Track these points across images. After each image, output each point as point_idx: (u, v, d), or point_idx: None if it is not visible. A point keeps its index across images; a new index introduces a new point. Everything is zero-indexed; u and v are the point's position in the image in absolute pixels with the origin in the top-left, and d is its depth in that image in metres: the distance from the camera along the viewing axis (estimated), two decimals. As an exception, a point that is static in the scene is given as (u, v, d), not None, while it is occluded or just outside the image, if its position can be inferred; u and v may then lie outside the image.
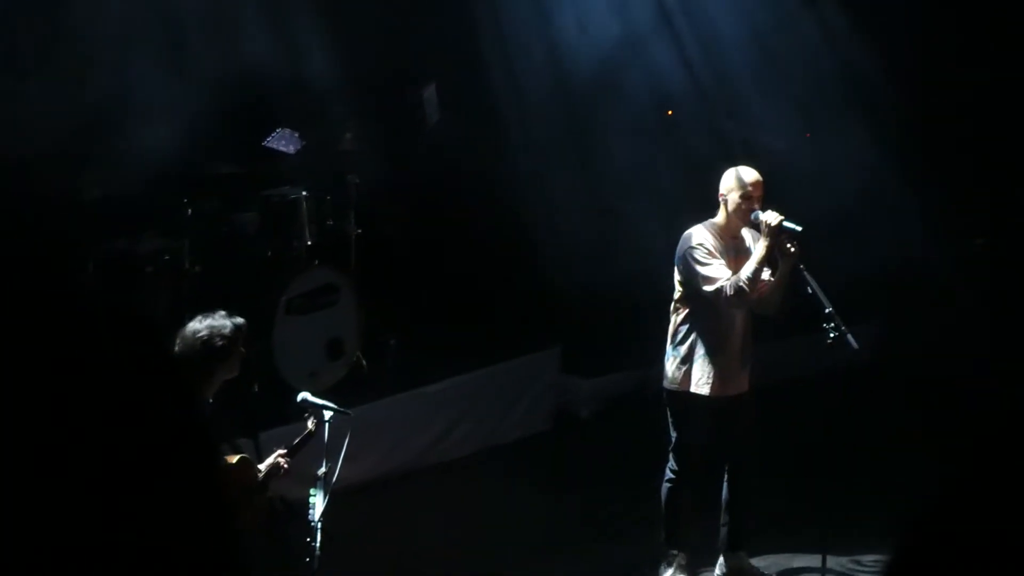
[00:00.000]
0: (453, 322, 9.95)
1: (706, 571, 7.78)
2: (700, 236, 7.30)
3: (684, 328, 7.42)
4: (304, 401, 6.56)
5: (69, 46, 9.33)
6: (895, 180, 11.30)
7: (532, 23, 11.29)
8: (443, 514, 8.76)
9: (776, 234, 7.08)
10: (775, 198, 7.36)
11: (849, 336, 6.97)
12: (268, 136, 10.25)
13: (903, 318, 11.29)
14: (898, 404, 9.97)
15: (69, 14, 9.36)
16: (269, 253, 9.57)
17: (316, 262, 9.68)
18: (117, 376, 1.29)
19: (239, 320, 6.16)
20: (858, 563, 7.73)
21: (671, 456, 7.56)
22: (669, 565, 7.66)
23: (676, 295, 7.45)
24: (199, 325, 6.05)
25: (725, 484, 7.65)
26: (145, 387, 1.32)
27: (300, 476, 6.58)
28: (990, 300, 11.10)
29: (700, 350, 7.37)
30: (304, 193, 9.67)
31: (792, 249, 7.08)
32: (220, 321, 6.08)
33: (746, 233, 7.39)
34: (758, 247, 7.18)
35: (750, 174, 7.30)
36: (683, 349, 7.40)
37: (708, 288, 7.20)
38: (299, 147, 10.31)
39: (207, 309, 6.29)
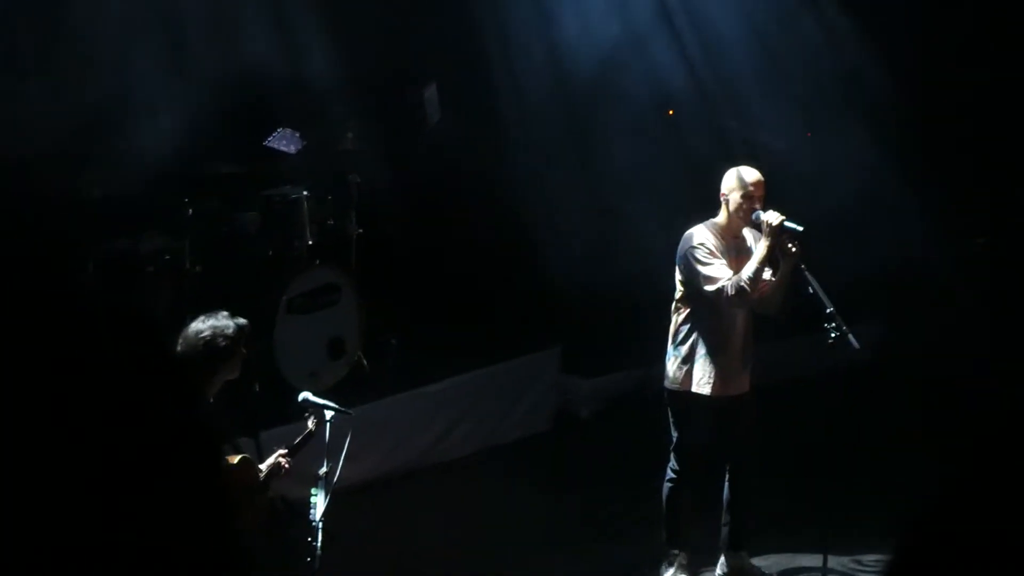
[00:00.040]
0: (454, 322, 9.95)
1: (707, 571, 7.77)
2: (701, 236, 7.30)
3: (685, 328, 7.41)
4: (305, 401, 6.57)
5: (70, 46, 9.33)
6: (895, 180, 11.29)
7: (532, 23, 11.29)
8: (444, 514, 8.76)
9: (777, 234, 7.07)
10: (776, 198, 7.36)
11: (850, 336, 6.97)
12: (269, 136, 10.25)
13: (903, 318, 11.28)
14: (898, 404, 9.95)
15: (70, 14, 9.36)
16: (270, 253, 9.57)
17: (317, 262, 9.68)
18: (119, 376, 1.30)
19: (241, 321, 6.17)
20: (859, 562, 7.73)
21: (672, 456, 7.56)
22: (670, 565, 7.66)
23: (677, 295, 7.45)
24: (202, 325, 6.05)
25: (726, 484, 7.64)
26: (147, 387, 1.32)
27: (301, 476, 6.58)
28: (990, 300, 11.09)
29: (701, 350, 7.37)
30: (305, 193, 9.67)
31: (793, 249, 7.08)
32: (223, 322, 6.08)
33: (747, 233, 7.39)
34: (759, 247, 7.17)
35: (751, 174, 7.30)
36: (684, 349, 7.40)
37: (709, 288, 7.20)
38: (300, 147, 10.31)
39: (208, 309, 6.30)
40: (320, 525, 6.17)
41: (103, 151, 9.23)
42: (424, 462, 9.55)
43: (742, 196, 7.23)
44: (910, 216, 11.17)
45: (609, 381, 10.75)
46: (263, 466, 6.35)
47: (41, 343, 1.26)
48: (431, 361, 9.87)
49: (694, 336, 7.39)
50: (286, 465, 6.38)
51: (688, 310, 7.41)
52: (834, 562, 7.48)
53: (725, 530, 7.69)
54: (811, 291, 7.07)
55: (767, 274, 7.22)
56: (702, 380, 7.37)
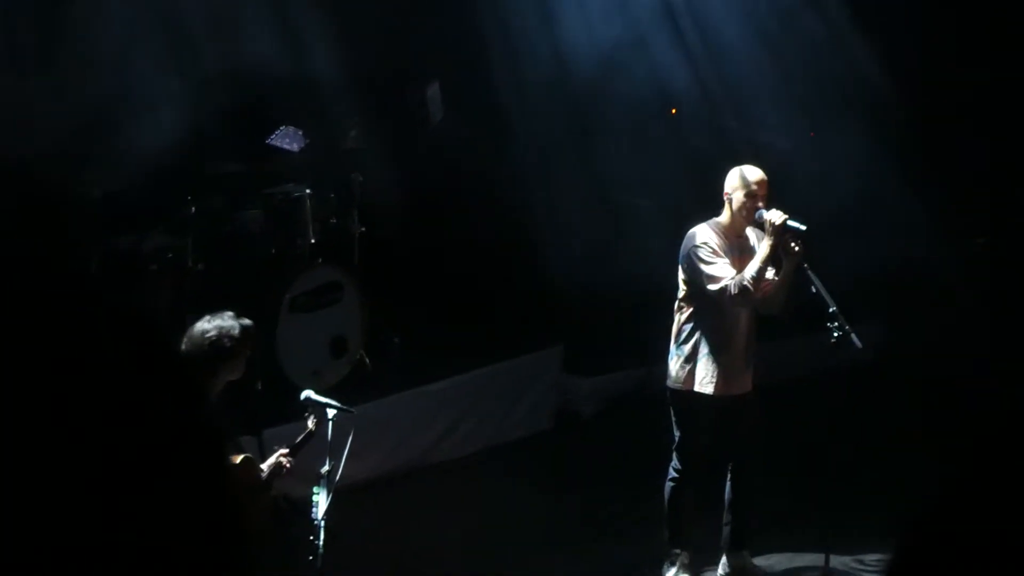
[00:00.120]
0: (455, 321, 9.96)
1: (709, 570, 7.77)
2: (704, 235, 7.29)
3: (688, 327, 7.41)
4: (307, 399, 6.57)
5: (72, 45, 9.33)
6: (895, 180, 11.29)
7: (534, 22, 11.29)
8: (445, 512, 8.76)
9: (780, 233, 7.07)
10: (777, 197, 7.36)
11: (853, 335, 6.96)
12: (271, 134, 10.26)
13: (904, 318, 11.29)
14: (899, 404, 9.96)
15: (71, 13, 9.36)
16: (273, 251, 9.57)
17: (319, 260, 9.68)
18: (123, 375, 1.29)
19: (246, 322, 6.17)
20: (861, 562, 7.72)
21: (674, 455, 7.55)
22: (672, 564, 7.66)
23: (680, 294, 7.44)
24: (208, 325, 6.06)
25: (728, 483, 7.64)
26: (151, 386, 1.32)
27: (303, 474, 6.59)
28: (990, 300, 11.09)
29: (704, 349, 7.37)
30: (308, 191, 9.67)
31: (796, 248, 7.07)
32: (228, 322, 6.09)
33: (750, 232, 7.39)
34: (762, 246, 7.17)
35: (755, 173, 7.29)
36: (687, 348, 7.40)
37: (712, 287, 7.20)
38: (302, 145, 10.32)
39: (210, 307, 6.31)
40: (322, 524, 6.17)
41: (105, 150, 9.22)
42: (426, 461, 9.56)
43: (745, 195, 7.23)
44: (910, 216, 11.17)
45: (610, 380, 10.75)
46: (264, 466, 6.36)
47: (44, 342, 1.26)
48: (433, 360, 9.87)
49: (697, 335, 7.38)
50: (287, 465, 6.39)
51: (691, 309, 7.41)
52: (836, 561, 7.47)
53: (727, 529, 7.69)
54: (814, 290, 7.06)
55: (770, 273, 7.21)
56: (705, 379, 7.37)
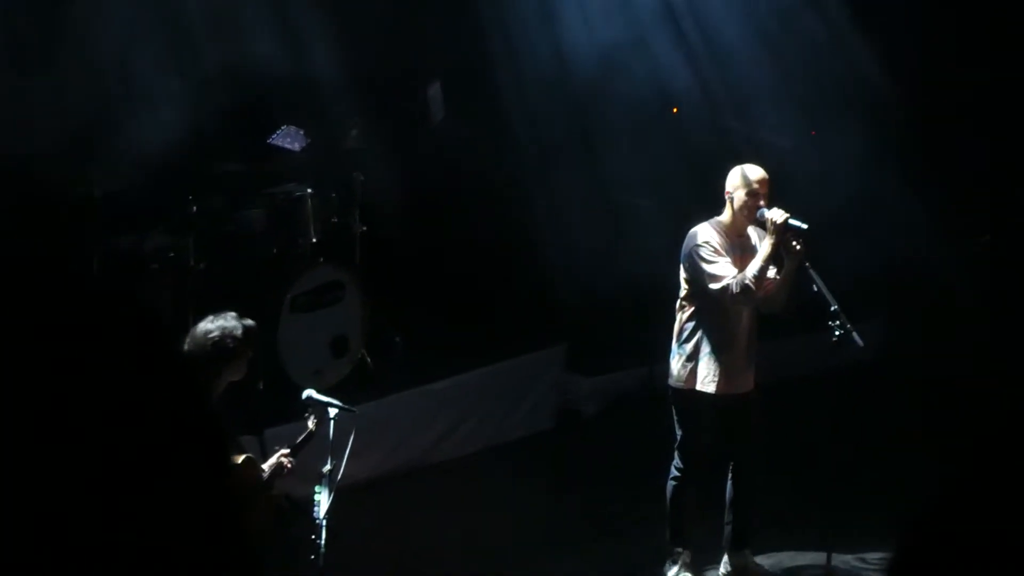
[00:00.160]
0: (457, 320, 9.96)
1: (711, 569, 7.77)
2: (706, 234, 7.29)
3: (690, 326, 7.41)
4: (309, 398, 6.58)
5: (73, 44, 9.33)
6: (896, 180, 11.29)
7: (535, 22, 11.28)
8: (446, 512, 8.77)
9: (782, 232, 7.06)
10: (778, 196, 7.36)
11: (855, 334, 6.96)
12: (273, 134, 10.26)
13: (904, 317, 11.29)
14: (900, 403, 9.96)
15: (72, 13, 9.36)
16: (274, 250, 9.56)
17: (321, 260, 9.68)
18: (126, 375, 1.30)
19: (249, 322, 6.18)
20: (862, 560, 7.73)
21: (676, 454, 7.56)
22: (674, 563, 7.66)
23: (682, 293, 7.44)
24: (211, 326, 6.06)
25: (730, 482, 7.64)
26: (154, 386, 1.32)
27: (305, 474, 6.60)
28: (990, 300, 11.09)
29: (706, 348, 7.37)
30: (309, 190, 9.67)
31: (798, 247, 7.07)
32: (231, 323, 6.09)
33: (752, 231, 7.38)
34: (764, 245, 7.17)
35: (756, 172, 7.28)
36: (689, 347, 7.40)
37: (714, 286, 7.20)
38: (304, 144, 10.31)
39: (212, 306, 6.31)
40: (324, 523, 6.18)
41: (106, 150, 9.22)
42: (427, 460, 9.56)
43: (747, 194, 7.22)
44: (911, 216, 11.17)
45: (611, 379, 10.75)
46: (266, 466, 6.36)
47: (46, 342, 1.26)
48: (434, 359, 9.88)
49: (699, 334, 7.38)
50: (288, 464, 6.39)
51: (693, 308, 7.41)
52: (837, 560, 7.48)
53: (728, 528, 7.69)
54: (815, 289, 7.07)
55: (771, 272, 7.21)
56: (706, 378, 7.37)
